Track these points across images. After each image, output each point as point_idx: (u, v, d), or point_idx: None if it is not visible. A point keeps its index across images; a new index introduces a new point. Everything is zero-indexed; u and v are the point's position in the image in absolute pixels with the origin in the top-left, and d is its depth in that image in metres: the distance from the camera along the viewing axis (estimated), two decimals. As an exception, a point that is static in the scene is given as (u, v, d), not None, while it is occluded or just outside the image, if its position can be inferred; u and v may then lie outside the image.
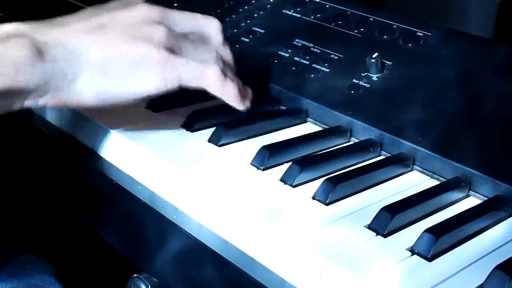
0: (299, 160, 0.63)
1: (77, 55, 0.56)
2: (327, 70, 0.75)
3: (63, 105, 0.57)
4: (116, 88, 0.57)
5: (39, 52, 0.54)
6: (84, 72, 0.56)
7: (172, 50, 0.59)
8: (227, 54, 0.65)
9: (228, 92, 0.62)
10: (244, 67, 0.79)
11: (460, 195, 0.62)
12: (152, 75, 0.57)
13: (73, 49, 0.56)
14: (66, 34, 0.56)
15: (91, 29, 0.57)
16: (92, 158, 0.67)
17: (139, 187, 0.63)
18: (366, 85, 0.72)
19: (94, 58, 0.56)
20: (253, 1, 0.89)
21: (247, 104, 0.65)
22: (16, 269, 0.75)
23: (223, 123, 0.68)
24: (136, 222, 0.63)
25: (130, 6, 0.60)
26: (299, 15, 0.84)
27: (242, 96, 0.64)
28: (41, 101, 0.56)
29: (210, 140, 0.67)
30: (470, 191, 0.62)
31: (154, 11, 0.60)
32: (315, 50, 0.78)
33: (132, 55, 0.57)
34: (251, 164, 0.63)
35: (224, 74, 0.61)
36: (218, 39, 0.64)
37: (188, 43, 0.61)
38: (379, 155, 0.68)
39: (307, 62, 0.77)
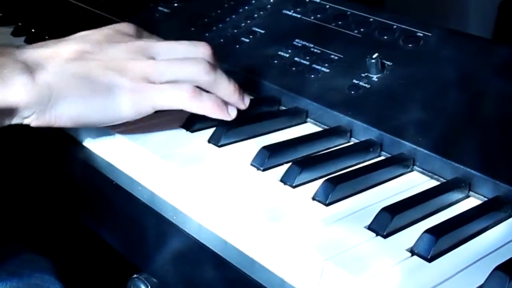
0: (299, 161, 0.63)
1: (60, 81, 0.59)
2: (327, 70, 0.75)
3: (44, 125, 0.61)
4: (92, 114, 0.61)
5: (31, 74, 0.58)
6: (64, 98, 0.59)
7: (148, 78, 0.62)
8: (221, 88, 0.65)
9: (205, 108, 0.64)
10: (244, 67, 0.79)
11: (460, 195, 0.62)
12: (124, 104, 0.61)
13: (57, 75, 0.60)
14: (53, 60, 0.60)
15: (76, 58, 0.61)
16: (92, 159, 0.67)
17: (139, 188, 0.63)
18: (366, 85, 0.72)
19: (73, 86, 0.60)
20: (253, 1, 0.89)
21: (232, 113, 0.66)
22: (16, 268, 0.75)
23: (223, 123, 0.68)
24: (136, 223, 0.63)
25: (116, 40, 0.64)
26: (299, 15, 0.84)
27: (237, 99, 0.66)
28: (26, 121, 0.60)
29: (210, 141, 0.67)
30: (470, 192, 0.62)
31: (138, 45, 0.64)
32: (315, 50, 0.78)
33: (107, 86, 0.61)
34: (251, 164, 0.63)
35: (199, 91, 0.63)
36: (205, 79, 0.64)
37: (168, 67, 0.63)
38: (379, 156, 0.68)
39: (307, 63, 0.77)
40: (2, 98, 0.57)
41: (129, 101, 0.61)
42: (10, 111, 0.58)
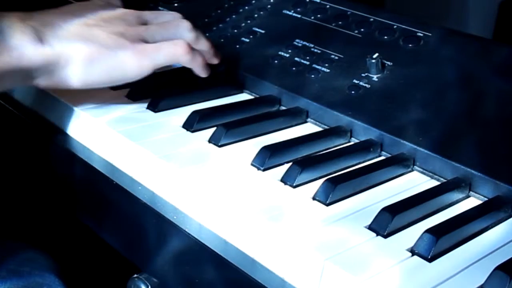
0: (299, 161, 0.63)
1: (69, 45, 0.65)
2: (328, 70, 0.75)
3: (53, 86, 0.67)
4: (99, 76, 0.66)
5: (40, 39, 0.63)
6: (73, 60, 0.65)
7: (144, 39, 0.69)
8: (203, 44, 0.74)
9: (197, 62, 0.72)
10: (244, 67, 0.79)
11: (461, 195, 0.62)
12: (129, 64, 0.67)
13: (66, 40, 0.65)
14: (60, 26, 0.65)
15: (80, 24, 0.67)
16: (92, 158, 0.67)
17: (139, 187, 0.63)
18: (367, 85, 0.72)
19: (81, 50, 0.65)
20: (253, 1, 0.89)
21: (208, 71, 0.74)
22: (16, 267, 0.75)
23: (223, 123, 0.68)
24: (136, 223, 0.63)
25: (110, 8, 0.71)
26: (299, 16, 0.84)
27: (213, 52, 0.75)
28: (36, 81, 0.65)
29: (210, 140, 0.67)
30: (471, 192, 0.62)
31: (130, 12, 0.72)
32: (315, 50, 0.78)
33: (111, 48, 0.66)
34: (252, 164, 0.63)
35: (192, 48, 0.70)
36: (190, 36, 0.72)
37: (158, 28, 0.71)
38: (380, 156, 0.68)
39: (308, 63, 0.77)
40: (13, 62, 0.61)
41: (133, 61, 0.67)
42: (21, 74, 0.63)
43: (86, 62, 0.65)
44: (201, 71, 0.73)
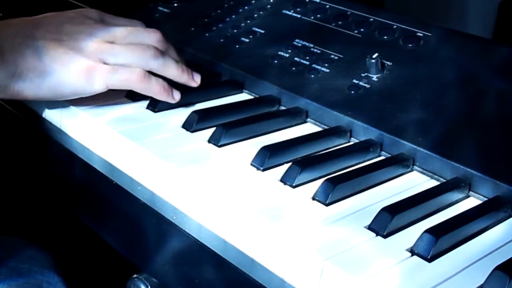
0: (299, 161, 0.63)
1: (23, 58, 0.65)
2: (327, 70, 0.75)
3: (9, 98, 0.66)
4: (51, 89, 0.67)
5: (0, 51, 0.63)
6: (25, 74, 0.65)
7: (104, 59, 0.68)
8: (170, 70, 0.72)
9: (153, 90, 0.70)
10: (244, 67, 0.79)
11: (460, 195, 0.62)
12: (81, 80, 0.67)
13: (22, 52, 0.65)
14: (18, 38, 0.66)
15: (39, 38, 0.67)
16: (92, 158, 0.67)
17: (139, 187, 0.63)
18: (366, 85, 0.72)
19: (35, 62, 0.65)
20: (253, 1, 0.89)
21: (175, 96, 0.72)
22: (16, 264, 0.75)
23: (223, 123, 0.68)
24: (136, 223, 0.63)
25: (80, 19, 0.71)
26: (299, 16, 0.84)
27: (186, 79, 0.73)
28: None
29: (210, 141, 0.67)
30: (470, 192, 0.62)
31: (99, 27, 0.70)
32: (315, 50, 0.78)
33: (64, 63, 0.66)
34: (251, 164, 0.63)
35: (148, 74, 0.69)
36: (154, 64, 0.71)
37: (123, 50, 0.69)
38: (379, 156, 0.68)
39: (307, 63, 0.77)
40: None
41: (86, 78, 0.67)
42: None
43: (36, 76, 0.65)
44: (161, 98, 0.71)
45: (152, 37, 0.72)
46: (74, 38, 0.68)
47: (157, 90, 0.70)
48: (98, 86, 0.68)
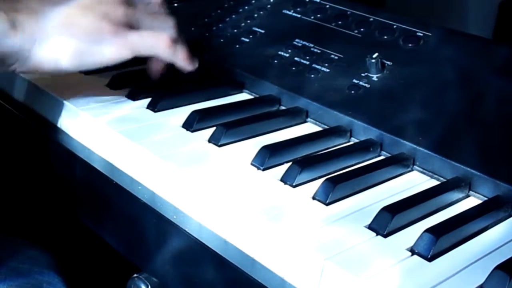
0: (299, 160, 0.63)
1: (43, 29, 0.63)
2: (327, 70, 0.75)
3: (28, 71, 0.66)
4: (73, 58, 0.64)
5: (13, 25, 0.61)
6: (46, 44, 0.63)
7: (128, 24, 0.66)
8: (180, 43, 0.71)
9: (178, 57, 0.70)
10: (244, 67, 0.79)
11: (460, 195, 0.62)
12: (107, 47, 0.65)
13: (40, 24, 0.63)
14: (41, 13, 0.63)
15: (62, 11, 0.64)
16: (92, 158, 0.67)
17: (139, 187, 0.63)
18: (366, 85, 0.72)
19: (56, 31, 0.63)
20: (253, 1, 0.89)
21: (195, 64, 0.73)
22: (16, 264, 0.75)
23: (223, 123, 0.68)
24: (136, 222, 0.63)
25: None
26: (299, 15, 0.84)
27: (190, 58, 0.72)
28: (12, 68, 0.64)
29: (210, 140, 0.67)
30: (470, 191, 0.62)
31: None
32: (315, 50, 0.78)
33: (89, 29, 0.64)
34: (251, 164, 0.63)
35: (175, 41, 0.69)
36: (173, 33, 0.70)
37: (144, 16, 0.68)
38: (379, 155, 0.68)
39: (307, 62, 0.77)
40: None
41: (111, 45, 0.65)
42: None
43: (59, 44, 0.64)
44: (184, 66, 0.71)
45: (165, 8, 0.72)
46: (96, 3, 0.66)
47: (182, 56, 0.70)
48: (125, 53, 0.66)
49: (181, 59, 0.71)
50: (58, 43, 0.64)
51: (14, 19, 0.62)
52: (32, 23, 0.63)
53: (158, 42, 0.68)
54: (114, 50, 0.65)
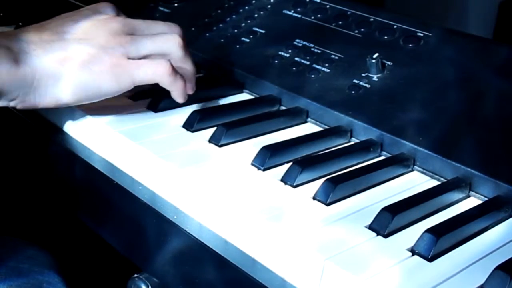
0: (299, 160, 0.63)
1: (42, 64, 0.62)
2: (328, 70, 0.75)
3: (29, 107, 0.64)
4: (74, 93, 0.64)
5: (15, 59, 0.61)
6: (47, 80, 0.63)
7: (127, 53, 0.65)
8: (188, 66, 0.70)
9: (178, 85, 0.67)
10: (244, 67, 0.79)
11: (461, 195, 0.62)
12: (105, 82, 0.64)
13: (39, 58, 0.62)
14: (36, 43, 0.63)
15: (58, 40, 0.64)
16: (92, 158, 0.67)
17: (139, 187, 0.63)
18: (367, 85, 0.72)
19: (55, 67, 0.63)
20: (253, 1, 0.89)
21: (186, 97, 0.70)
22: (16, 264, 0.75)
23: (223, 123, 0.68)
24: (136, 222, 0.63)
25: (97, 15, 0.67)
26: (299, 15, 0.84)
27: (194, 80, 0.71)
28: (12, 103, 0.63)
29: (210, 140, 0.67)
30: (471, 192, 0.62)
31: (118, 20, 0.67)
32: (315, 50, 0.78)
33: (87, 65, 0.63)
34: (252, 164, 0.63)
35: (175, 70, 0.67)
36: (178, 53, 0.68)
37: (145, 40, 0.66)
38: (380, 156, 0.68)
39: (308, 62, 0.77)
40: None
41: (111, 77, 0.64)
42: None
43: (60, 80, 0.63)
44: (179, 96, 0.69)
45: (173, 29, 0.70)
46: (93, 35, 0.65)
47: (181, 85, 0.68)
48: (125, 84, 0.65)
49: (178, 90, 0.68)
50: (58, 78, 0.63)
51: (13, 52, 0.61)
52: (33, 58, 0.62)
53: (158, 69, 0.65)
54: (114, 82, 0.64)
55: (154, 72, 0.65)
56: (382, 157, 0.68)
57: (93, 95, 0.65)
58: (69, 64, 0.63)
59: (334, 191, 0.58)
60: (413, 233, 0.54)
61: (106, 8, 0.69)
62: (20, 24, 0.91)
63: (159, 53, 0.67)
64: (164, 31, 0.69)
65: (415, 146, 0.65)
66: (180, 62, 0.68)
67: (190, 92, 0.70)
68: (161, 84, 0.67)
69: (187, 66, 0.69)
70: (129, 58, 0.65)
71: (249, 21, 0.86)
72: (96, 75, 0.63)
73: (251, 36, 0.83)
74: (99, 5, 0.69)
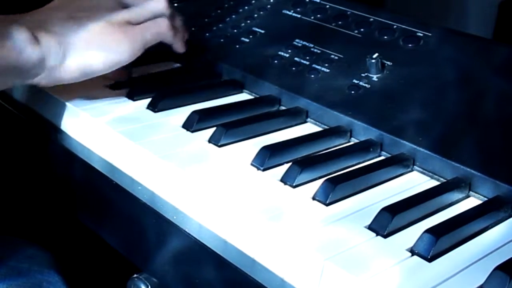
0: (299, 161, 0.63)
1: (62, 39, 0.67)
2: (327, 70, 0.75)
3: (54, 83, 0.68)
4: (95, 62, 0.68)
5: (35, 37, 0.65)
6: (68, 53, 0.67)
7: (130, 22, 0.71)
8: (177, 19, 0.77)
9: (178, 39, 0.76)
10: (244, 67, 0.79)
11: (460, 195, 0.62)
12: (123, 48, 0.69)
13: (59, 35, 0.66)
14: (51, 22, 0.67)
15: (68, 17, 0.69)
16: (92, 158, 0.67)
17: (139, 187, 0.63)
18: (366, 85, 0.72)
19: (75, 41, 0.67)
20: (253, 1, 0.89)
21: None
22: (16, 263, 0.75)
23: (223, 123, 0.68)
24: (136, 222, 0.63)
25: None
26: (299, 15, 0.84)
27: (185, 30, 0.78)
28: (36, 79, 0.67)
29: (210, 140, 0.67)
30: (470, 192, 0.62)
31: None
32: (315, 50, 0.78)
33: (103, 34, 0.69)
34: (252, 164, 0.63)
35: (172, 25, 0.74)
36: (168, 12, 0.75)
37: (139, 10, 0.73)
38: (379, 156, 0.68)
39: (307, 63, 0.77)
40: (13, 63, 0.63)
41: (126, 45, 0.69)
42: (22, 73, 0.65)
43: (81, 51, 0.67)
44: (181, 47, 0.76)
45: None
46: (96, 10, 0.70)
47: (181, 36, 0.76)
48: (139, 49, 0.70)
49: (180, 40, 0.76)
50: (78, 52, 0.67)
51: (35, 32, 0.65)
52: (52, 36, 0.66)
53: (161, 27, 0.73)
54: (128, 46, 0.69)
55: (159, 31, 0.73)
56: (382, 157, 0.68)
57: (112, 64, 0.69)
58: (87, 36, 0.68)
59: (333, 191, 0.58)
60: (413, 233, 0.54)
61: None
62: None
63: (154, 16, 0.73)
64: None
65: (415, 146, 0.65)
66: (172, 18, 0.75)
67: (186, 37, 0.78)
68: (165, 41, 0.74)
69: (177, 20, 0.77)
70: (129, 21, 0.71)
71: (248, 21, 0.86)
72: (113, 44, 0.69)
73: (251, 36, 0.83)
74: None
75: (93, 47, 0.68)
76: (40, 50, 0.65)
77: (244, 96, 0.79)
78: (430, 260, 0.52)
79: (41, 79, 0.67)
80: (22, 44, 0.63)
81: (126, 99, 0.74)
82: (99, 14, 0.70)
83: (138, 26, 0.71)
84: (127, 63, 0.70)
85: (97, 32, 0.68)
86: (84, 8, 0.70)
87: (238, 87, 0.79)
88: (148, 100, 0.74)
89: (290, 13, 0.85)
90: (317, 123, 0.73)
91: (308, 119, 0.74)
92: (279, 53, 0.79)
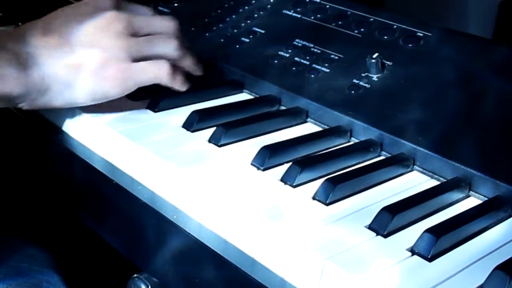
0: (299, 160, 0.63)
1: (50, 71, 0.64)
2: (327, 70, 0.75)
3: (36, 109, 0.67)
4: (81, 96, 0.67)
5: (22, 66, 0.62)
6: (54, 86, 0.65)
7: (131, 55, 0.68)
8: (186, 61, 0.74)
9: (178, 82, 0.72)
10: (244, 67, 0.79)
11: (460, 195, 0.62)
12: (112, 85, 0.67)
13: (47, 65, 0.64)
14: (41, 50, 0.64)
15: (62, 44, 0.65)
16: (92, 158, 0.67)
17: (139, 187, 0.63)
18: (366, 85, 0.72)
19: (63, 73, 0.65)
20: (253, 1, 0.89)
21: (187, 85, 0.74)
22: (16, 263, 0.75)
23: (223, 123, 0.68)
24: (136, 222, 0.63)
25: (99, 13, 0.67)
26: (299, 15, 0.84)
27: (199, 69, 0.76)
28: (19, 106, 0.65)
29: (210, 140, 0.67)
30: (470, 191, 0.62)
31: (120, 19, 0.68)
32: (315, 50, 0.78)
33: (94, 67, 0.66)
34: (252, 164, 0.63)
35: (174, 67, 0.71)
36: (175, 54, 0.72)
37: (146, 43, 0.69)
38: (379, 155, 0.68)
39: (307, 62, 0.77)
40: None
41: (117, 82, 0.67)
42: (3, 99, 0.63)
43: (67, 86, 0.65)
44: (179, 89, 0.72)
45: (170, 26, 0.72)
46: (98, 39, 0.66)
47: (180, 80, 0.72)
48: (129, 87, 0.68)
49: (178, 84, 0.72)
50: (69, 84, 0.65)
51: (20, 56, 0.63)
52: (41, 64, 0.64)
53: (160, 71, 0.69)
54: (120, 86, 0.67)
55: (156, 75, 0.69)
56: (382, 157, 0.68)
57: (100, 98, 0.67)
58: (78, 70, 0.65)
59: (333, 191, 0.58)
60: (413, 233, 0.54)
61: (106, 3, 0.69)
62: (20, 24, 0.91)
63: (158, 55, 0.70)
64: (163, 28, 0.72)
65: (415, 146, 0.65)
66: (179, 61, 0.72)
67: (198, 73, 0.76)
68: (161, 84, 0.70)
69: (187, 62, 0.74)
70: (132, 60, 0.68)
71: (249, 21, 0.86)
72: (105, 80, 0.66)
73: (251, 36, 0.83)
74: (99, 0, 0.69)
75: (81, 81, 0.65)
76: (24, 81, 0.62)
77: (244, 96, 0.79)
78: (430, 260, 0.52)
79: (23, 106, 0.65)
80: (8, 74, 0.61)
81: (126, 99, 0.74)
82: (99, 41, 0.66)
83: (136, 65, 0.68)
84: (114, 98, 0.68)
85: (90, 66, 0.65)
86: (86, 32, 0.66)
87: (238, 87, 0.79)
88: (148, 100, 0.74)
89: (290, 13, 0.85)
90: (317, 123, 0.73)
91: (308, 119, 0.74)
92: (279, 53, 0.79)
